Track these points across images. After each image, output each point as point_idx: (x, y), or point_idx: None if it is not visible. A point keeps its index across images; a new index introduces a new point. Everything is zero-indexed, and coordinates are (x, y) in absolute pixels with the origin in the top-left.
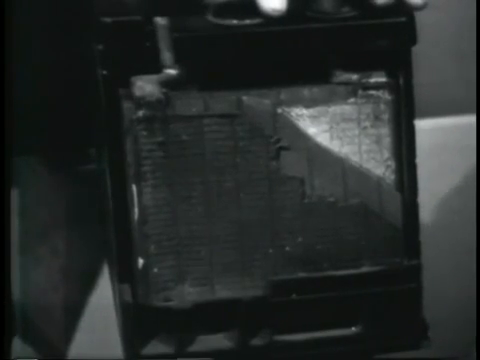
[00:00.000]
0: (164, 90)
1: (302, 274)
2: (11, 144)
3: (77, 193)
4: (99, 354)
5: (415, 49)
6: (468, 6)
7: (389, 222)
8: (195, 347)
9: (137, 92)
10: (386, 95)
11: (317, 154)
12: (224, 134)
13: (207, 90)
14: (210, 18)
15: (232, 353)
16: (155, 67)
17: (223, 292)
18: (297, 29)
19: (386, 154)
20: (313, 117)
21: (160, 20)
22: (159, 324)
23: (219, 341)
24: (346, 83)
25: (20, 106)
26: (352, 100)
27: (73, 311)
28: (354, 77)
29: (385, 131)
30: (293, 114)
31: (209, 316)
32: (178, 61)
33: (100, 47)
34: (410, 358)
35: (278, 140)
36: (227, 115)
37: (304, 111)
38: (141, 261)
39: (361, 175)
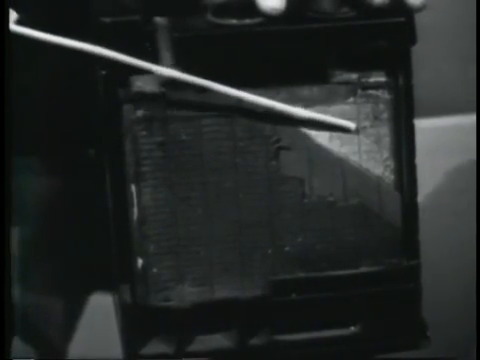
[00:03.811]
0: (163, 90)
1: (301, 274)
2: (11, 144)
3: (77, 193)
4: (99, 354)
5: (414, 49)
6: (468, 6)
7: (388, 222)
8: (194, 347)
9: (136, 92)
10: (385, 95)
11: (316, 154)
12: (223, 134)
13: (207, 90)
14: (209, 18)
15: (231, 353)
16: None
17: (222, 292)
18: (296, 29)
19: (385, 154)
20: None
21: (160, 20)
22: (158, 324)
23: (218, 341)
24: (345, 83)
25: (20, 106)
26: (351, 100)
27: (73, 311)
28: (353, 77)
29: (384, 131)
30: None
31: (208, 316)
32: (178, 61)
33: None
34: (410, 358)
35: (277, 140)
36: (226, 115)
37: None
38: (140, 261)
39: (360, 175)
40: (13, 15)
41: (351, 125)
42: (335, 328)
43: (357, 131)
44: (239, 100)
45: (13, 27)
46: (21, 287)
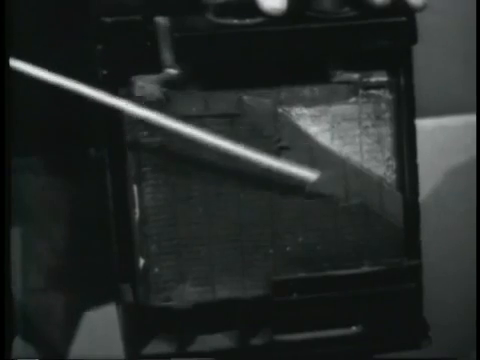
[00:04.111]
0: (164, 90)
1: (302, 274)
2: (11, 144)
3: (78, 193)
4: (100, 354)
5: (415, 48)
6: (468, 6)
7: (390, 222)
8: (196, 347)
9: (137, 92)
10: (387, 94)
11: (318, 154)
12: (224, 134)
13: (207, 90)
14: (210, 18)
15: (232, 353)
16: (155, 67)
17: (224, 292)
18: (297, 29)
19: (387, 154)
20: (314, 117)
21: (160, 20)
22: (160, 324)
23: (219, 341)
24: (347, 82)
25: (20, 106)
26: (353, 99)
27: (74, 311)
28: (355, 76)
29: (386, 131)
30: (294, 114)
31: (210, 316)
32: (178, 61)
33: (100, 47)
34: (410, 358)
35: (278, 140)
36: (227, 115)
37: (305, 111)
38: (142, 261)
39: (362, 175)
40: None
41: (312, 176)
42: (336, 328)
43: (315, 183)
44: (240, 100)
45: (13, 63)
46: (22, 287)
